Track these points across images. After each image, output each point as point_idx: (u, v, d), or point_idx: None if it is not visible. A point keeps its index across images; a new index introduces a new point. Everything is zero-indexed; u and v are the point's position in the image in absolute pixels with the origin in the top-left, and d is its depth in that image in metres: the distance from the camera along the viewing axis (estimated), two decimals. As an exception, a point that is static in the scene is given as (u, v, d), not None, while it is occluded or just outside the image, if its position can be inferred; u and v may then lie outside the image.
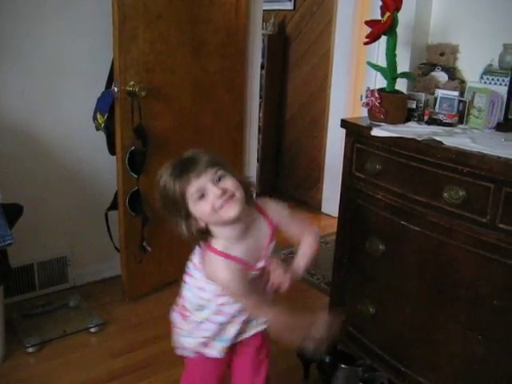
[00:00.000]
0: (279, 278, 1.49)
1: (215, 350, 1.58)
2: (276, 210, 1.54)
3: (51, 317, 2.62)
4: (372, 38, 2.11)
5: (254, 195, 1.50)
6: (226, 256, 1.43)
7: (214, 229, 1.44)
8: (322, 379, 2.19)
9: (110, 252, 2.82)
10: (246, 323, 1.58)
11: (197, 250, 1.53)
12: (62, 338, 2.47)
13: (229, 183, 1.38)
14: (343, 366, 2.08)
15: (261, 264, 1.50)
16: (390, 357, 2.05)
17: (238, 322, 1.55)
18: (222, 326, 1.54)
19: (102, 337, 2.51)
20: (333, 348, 2.25)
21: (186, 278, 1.56)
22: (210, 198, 1.36)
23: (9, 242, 2.03)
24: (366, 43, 2.16)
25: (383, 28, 2.05)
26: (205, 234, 1.44)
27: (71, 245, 2.89)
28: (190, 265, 1.55)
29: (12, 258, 2.23)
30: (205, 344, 1.57)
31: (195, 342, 1.57)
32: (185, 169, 1.36)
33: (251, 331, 1.63)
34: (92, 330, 2.54)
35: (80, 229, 2.89)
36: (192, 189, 1.36)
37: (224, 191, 1.36)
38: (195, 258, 1.53)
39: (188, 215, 1.40)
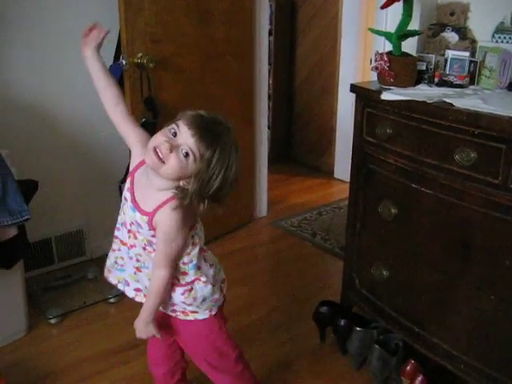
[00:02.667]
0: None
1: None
2: (161, 223, 1.43)
3: (71, 289, 2.68)
4: (388, 4, 2.08)
5: (185, 202, 1.39)
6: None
7: None
8: (338, 342, 2.23)
9: (125, 224, 2.85)
10: None
11: None
12: (82, 309, 2.54)
13: (177, 160, 1.33)
14: (358, 328, 2.12)
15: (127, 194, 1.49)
16: (404, 318, 2.08)
17: None
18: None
19: (121, 307, 2.56)
20: (348, 311, 2.29)
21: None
22: (163, 136, 1.35)
23: (26, 217, 2.06)
24: (383, 7, 2.13)
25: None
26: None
27: (87, 218, 2.93)
28: None
29: (30, 232, 2.27)
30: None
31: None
32: (200, 124, 1.34)
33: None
34: (111, 300, 2.59)
35: (95, 202, 2.93)
36: (178, 124, 1.35)
37: (167, 150, 1.32)
38: None
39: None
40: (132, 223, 1.47)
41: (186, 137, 1.33)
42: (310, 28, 4.43)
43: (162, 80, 2.66)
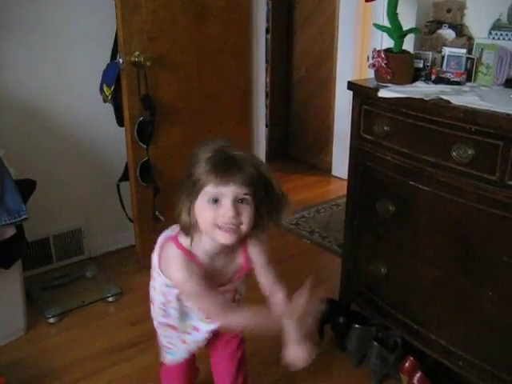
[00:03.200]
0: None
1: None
2: (257, 252, 1.47)
3: (69, 288, 2.67)
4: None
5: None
6: (187, 253, 1.37)
7: (195, 233, 1.37)
8: (337, 339, 2.24)
9: (123, 223, 2.86)
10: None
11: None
12: (81, 308, 2.54)
13: (246, 212, 1.29)
14: (357, 325, 2.12)
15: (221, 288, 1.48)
16: (403, 316, 2.08)
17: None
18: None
19: (119, 306, 2.57)
20: (346, 308, 2.30)
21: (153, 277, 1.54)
22: (220, 210, 1.27)
23: (24, 216, 2.06)
24: (367, 1, 2.13)
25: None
26: (191, 228, 1.35)
27: (85, 217, 2.93)
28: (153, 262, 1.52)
29: (28, 232, 2.26)
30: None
31: None
32: (223, 168, 1.25)
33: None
34: (110, 299, 2.60)
35: (93, 201, 2.93)
36: (212, 191, 1.27)
37: (236, 217, 1.27)
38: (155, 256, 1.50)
39: (192, 202, 1.32)
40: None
41: (227, 192, 1.26)
42: (307, 26, 4.42)
43: (159, 78, 2.66)
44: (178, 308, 1.49)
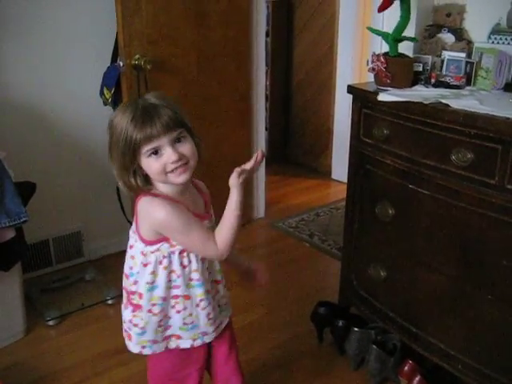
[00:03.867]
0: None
1: (188, 340, 1.50)
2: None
3: (69, 291, 2.67)
4: (385, 7, 2.09)
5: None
6: (171, 199, 1.36)
7: (155, 182, 1.39)
8: (336, 342, 2.24)
9: (122, 225, 2.85)
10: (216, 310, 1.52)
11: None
12: (80, 310, 2.54)
13: (187, 148, 1.33)
14: (356, 329, 2.12)
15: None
16: (402, 319, 2.09)
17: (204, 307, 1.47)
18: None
19: (119, 308, 2.54)
20: (346, 312, 2.30)
21: (128, 253, 1.48)
22: (163, 159, 1.30)
23: (24, 219, 2.07)
24: (380, 10, 2.14)
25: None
26: (147, 183, 1.37)
27: (85, 220, 2.93)
28: (130, 234, 1.46)
29: (28, 234, 2.27)
30: (171, 335, 1.49)
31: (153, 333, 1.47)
32: (146, 121, 1.28)
33: (224, 322, 1.59)
34: (109, 301, 2.60)
35: (93, 203, 2.93)
36: (148, 146, 1.29)
37: (180, 157, 1.31)
38: (132, 227, 1.45)
39: (133, 163, 1.33)
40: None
41: (162, 141, 1.29)
42: (306, 29, 4.43)
43: (159, 81, 2.66)
44: (178, 268, 1.42)
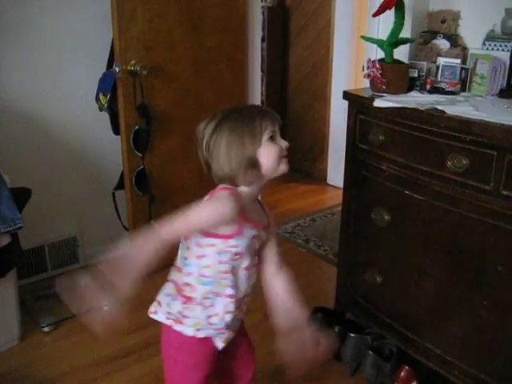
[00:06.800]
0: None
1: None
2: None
3: (64, 297, 2.66)
4: (380, 12, 2.11)
5: None
6: (238, 196, 1.38)
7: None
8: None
9: (119, 231, 2.85)
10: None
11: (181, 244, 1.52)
12: (75, 317, 2.51)
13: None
14: (352, 334, 2.12)
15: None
16: (398, 325, 2.09)
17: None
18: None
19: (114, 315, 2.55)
20: (342, 317, 2.30)
21: (183, 244, 1.54)
22: (277, 145, 1.42)
23: (19, 225, 2.06)
24: (374, 15, 2.16)
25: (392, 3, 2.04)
26: (256, 170, 1.40)
27: (80, 225, 2.92)
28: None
29: (23, 240, 2.26)
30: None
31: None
32: (267, 112, 1.44)
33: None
34: (105, 307, 2.58)
35: (88, 209, 2.92)
36: (269, 129, 1.41)
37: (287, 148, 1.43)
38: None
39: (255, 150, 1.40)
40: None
41: (276, 128, 1.44)
42: (302, 35, 4.45)
43: (154, 87, 2.66)
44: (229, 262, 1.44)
